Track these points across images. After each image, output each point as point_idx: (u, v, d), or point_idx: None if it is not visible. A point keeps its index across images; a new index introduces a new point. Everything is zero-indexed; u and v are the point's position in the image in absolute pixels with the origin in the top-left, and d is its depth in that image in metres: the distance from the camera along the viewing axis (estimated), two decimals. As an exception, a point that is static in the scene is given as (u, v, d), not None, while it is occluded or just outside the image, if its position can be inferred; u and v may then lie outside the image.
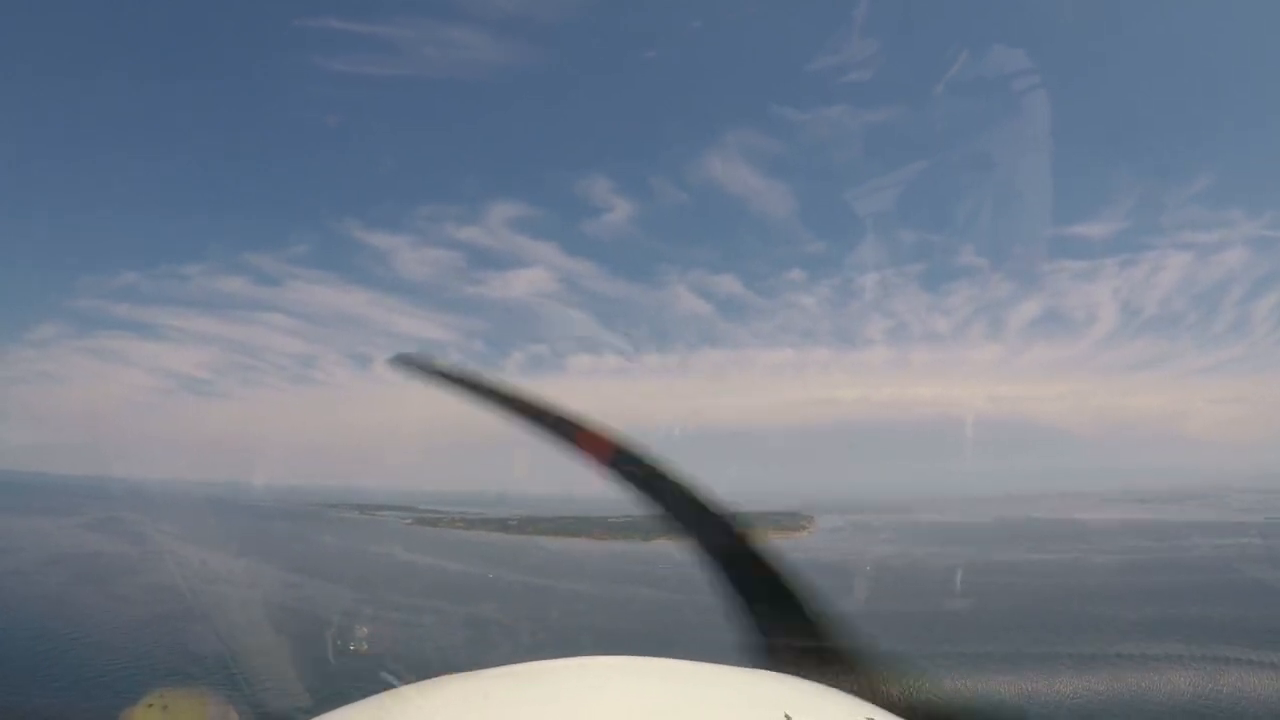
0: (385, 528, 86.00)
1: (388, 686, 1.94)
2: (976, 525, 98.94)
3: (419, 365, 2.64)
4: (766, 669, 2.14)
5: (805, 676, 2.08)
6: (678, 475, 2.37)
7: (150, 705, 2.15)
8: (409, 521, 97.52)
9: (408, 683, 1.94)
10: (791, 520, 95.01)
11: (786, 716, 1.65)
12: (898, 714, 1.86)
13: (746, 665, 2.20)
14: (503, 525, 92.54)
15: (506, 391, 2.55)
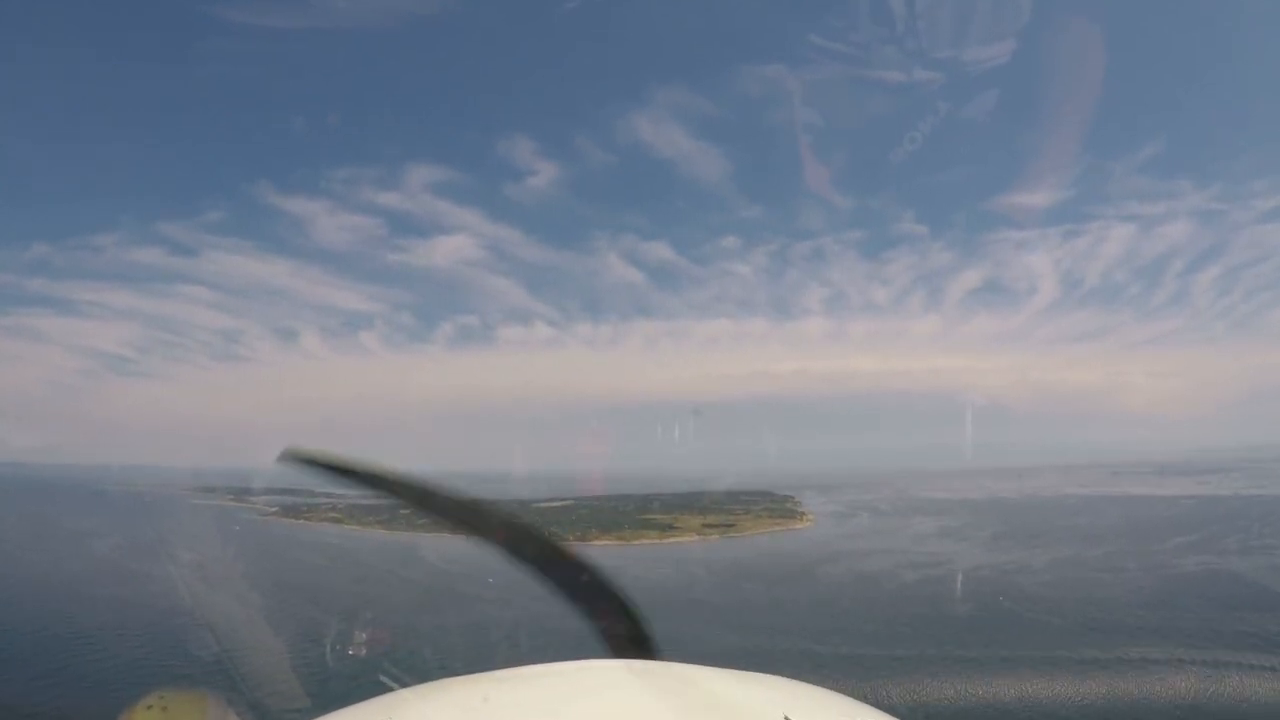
0: (219, 519, 74.90)
1: (388, 689, 1.99)
2: (1005, 501, 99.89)
3: (308, 459, 2.58)
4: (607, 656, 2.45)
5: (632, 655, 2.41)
6: (561, 547, 2.69)
7: (150, 706, 2.20)
8: (274, 511, 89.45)
9: (408, 685, 2.00)
10: (778, 504, 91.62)
11: (786, 718, 1.71)
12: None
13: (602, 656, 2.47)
14: (390, 517, 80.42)
15: (402, 480, 2.61)
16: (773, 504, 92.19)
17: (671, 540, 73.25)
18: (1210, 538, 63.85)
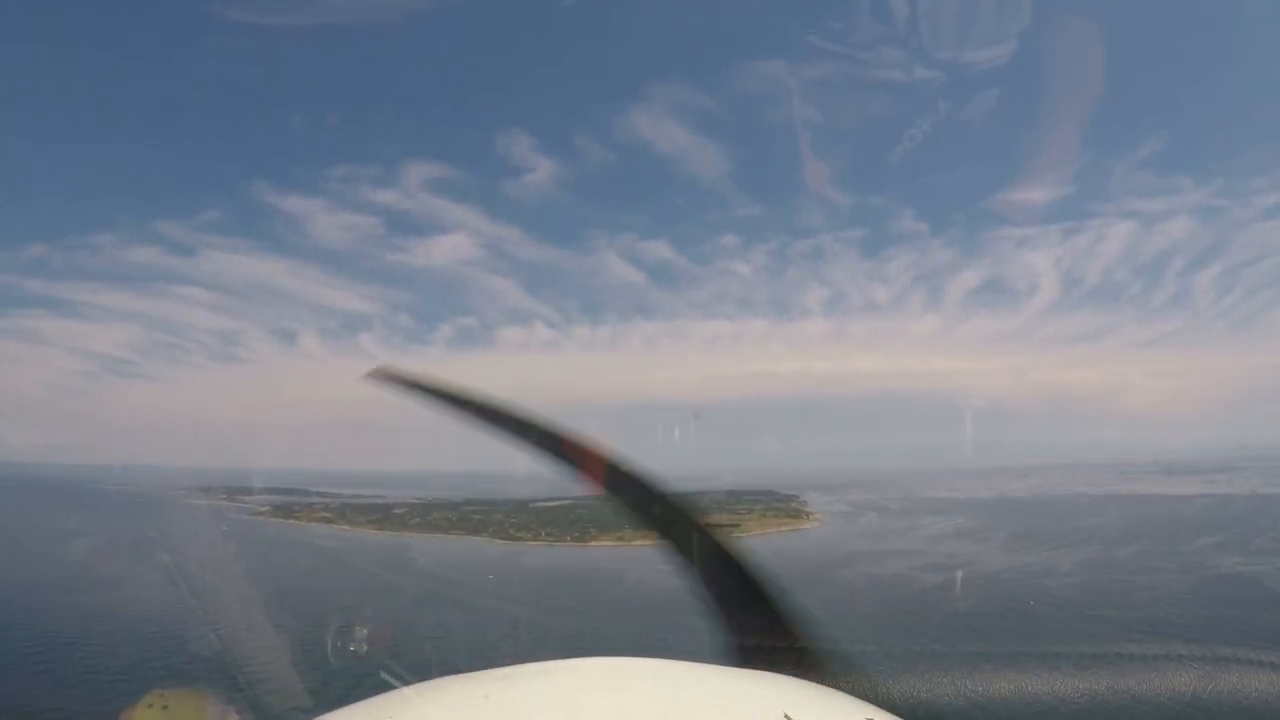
0: (210, 518, 73.37)
1: (389, 687, 2.02)
2: (1023, 500, 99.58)
3: (398, 378, 2.52)
4: (743, 667, 2.33)
5: (780, 673, 2.25)
6: (662, 486, 2.46)
7: (150, 705, 2.23)
8: (265, 510, 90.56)
9: (409, 684, 2.03)
10: (783, 504, 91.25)
11: (786, 717, 1.73)
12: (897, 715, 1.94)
13: (725, 665, 2.37)
14: (383, 516, 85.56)
15: (492, 405, 2.54)
16: (777, 504, 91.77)
17: (676, 541, 72.40)
18: (1237, 538, 63.01)
